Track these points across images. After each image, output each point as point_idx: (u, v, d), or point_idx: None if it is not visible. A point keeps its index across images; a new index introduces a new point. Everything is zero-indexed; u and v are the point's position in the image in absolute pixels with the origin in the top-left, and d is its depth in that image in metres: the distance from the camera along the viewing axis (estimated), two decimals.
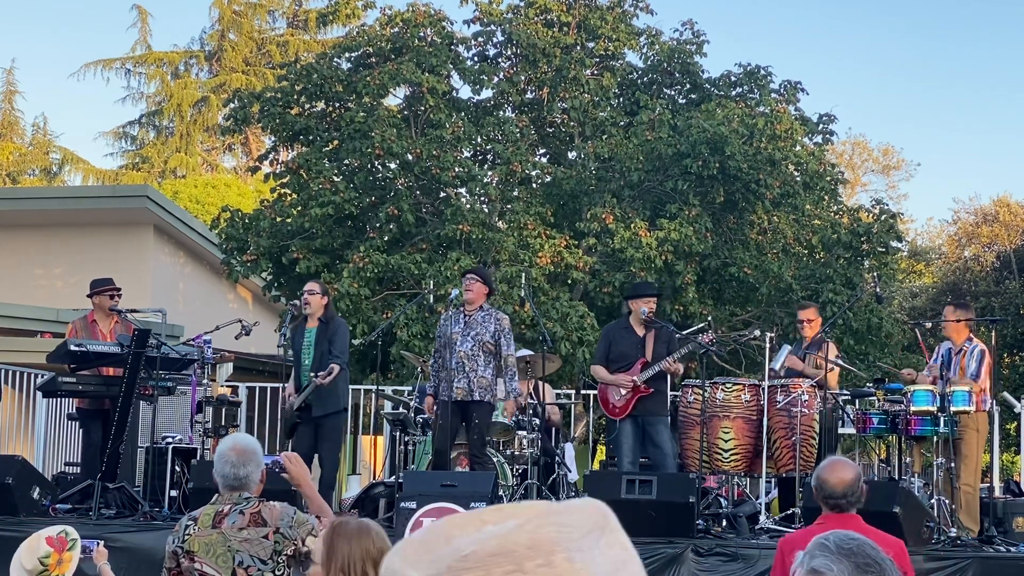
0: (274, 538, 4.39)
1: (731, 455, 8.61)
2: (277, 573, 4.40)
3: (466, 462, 8.87)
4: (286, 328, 9.45)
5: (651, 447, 8.86)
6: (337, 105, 16.21)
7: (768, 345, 8.88)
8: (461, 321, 8.74)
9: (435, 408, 8.92)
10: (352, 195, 14.82)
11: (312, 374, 8.72)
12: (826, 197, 16.72)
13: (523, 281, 12.71)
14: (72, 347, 8.82)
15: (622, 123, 16.27)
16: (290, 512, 4.48)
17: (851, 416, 9.26)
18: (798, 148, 15.89)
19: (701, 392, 8.68)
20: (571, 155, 16.75)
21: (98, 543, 5.05)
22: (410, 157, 14.78)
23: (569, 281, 14.73)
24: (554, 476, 9.61)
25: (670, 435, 8.79)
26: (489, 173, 15.61)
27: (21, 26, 54.19)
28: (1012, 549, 7.99)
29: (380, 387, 10.87)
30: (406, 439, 9.63)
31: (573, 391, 13.77)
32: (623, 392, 8.78)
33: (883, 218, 15.98)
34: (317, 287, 9.17)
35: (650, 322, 8.97)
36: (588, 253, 14.76)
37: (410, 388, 10.95)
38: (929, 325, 12.31)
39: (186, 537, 4.45)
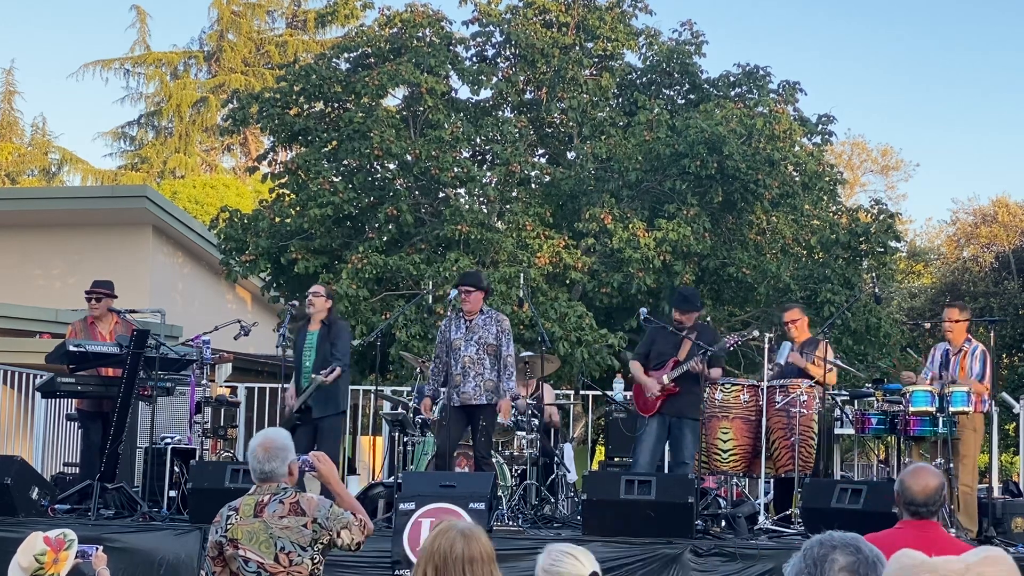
0: (312, 527, 4.55)
1: (730, 455, 8.60)
2: (314, 561, 4.56)
3: (464, 462, 8.87)
4: (284, 328, 9.44)
5: (672, 449, 8.88)
6: (336, 106, 16.20)
7: (767, 346, 8.87)
8: (463, 326, 8.72)
9: (435, 412, 8.92)
10: (351, 196, 14.82)
11: (313, 375, 8.74)
12: (825, 197, 16.71)
13: (521, 281, 12.69)
14: (71, 348, 8.81)
15: (621, 123, 16.26)
16: (326, 504, 4.62)
17: (850, 416, 9.25)
18: (797, 148, 15.89)
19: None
20: (570, 155, 16.75)
21: (97, 548, 5.03)
22: (409, 158, 14.77)
23: (567, 281, 14.72)
24: (553, 476, 9.61)
25: (695, 440, 8.64)
26: (488, 173, 15.60)
27: (20, 26, 54.25)
28: (1011, 549, 7.98)
29: (379, 388, 10.87)
30: (405, 440, 9.61)
31: (572, 391, 13.76)
32: (655, 390, 8.76)
33: (881, 218, 15.98)
34: (322, 290, 9.19)
35: (693, 324, 8.95)
36: (586, 253, 14.76)
37: (409, 389, 10.95)
38: (928, 325, 12.29)
39: (228, 526, 4.58)
